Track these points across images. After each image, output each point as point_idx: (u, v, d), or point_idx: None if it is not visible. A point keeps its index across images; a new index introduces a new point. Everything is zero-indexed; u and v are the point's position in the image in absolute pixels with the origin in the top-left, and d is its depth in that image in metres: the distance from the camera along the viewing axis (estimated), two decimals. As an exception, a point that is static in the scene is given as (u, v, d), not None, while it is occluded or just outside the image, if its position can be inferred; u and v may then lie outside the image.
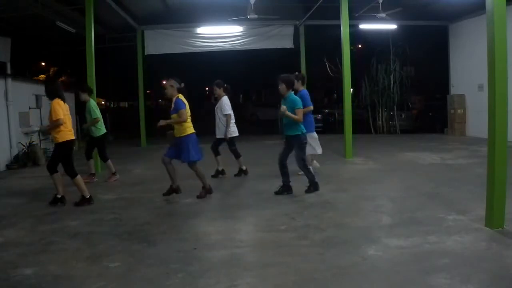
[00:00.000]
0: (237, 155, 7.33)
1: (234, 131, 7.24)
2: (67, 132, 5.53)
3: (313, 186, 5.91)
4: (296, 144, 5.69)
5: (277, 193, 5.87)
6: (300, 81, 6.90)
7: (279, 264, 3.44)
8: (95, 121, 7.08)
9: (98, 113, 7.11)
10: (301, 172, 6.07)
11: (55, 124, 5.42)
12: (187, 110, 5.59)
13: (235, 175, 7.33)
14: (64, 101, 5.64)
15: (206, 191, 5.90)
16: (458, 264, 3.31)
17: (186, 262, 3.53)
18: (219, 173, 7.33)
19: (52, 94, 5.61)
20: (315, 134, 7.03)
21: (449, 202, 5.19)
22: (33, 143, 9.89)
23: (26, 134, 9.81)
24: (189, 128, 5.65)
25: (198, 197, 5.79)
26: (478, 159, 8.23)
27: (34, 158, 9.57)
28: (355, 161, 8.86)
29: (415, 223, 4.40)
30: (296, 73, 7.36)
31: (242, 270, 3.35)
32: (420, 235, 4.01)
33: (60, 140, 5.50)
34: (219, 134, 7.21)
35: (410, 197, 5.57)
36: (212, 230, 4.49)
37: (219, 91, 7.19)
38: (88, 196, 5.62)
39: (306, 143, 5.81)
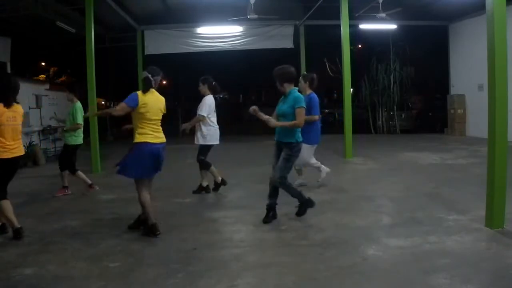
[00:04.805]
0: (205, 166, 5.99)
1: (213, 137, 5.94)
2: (1, 149, 4.09)
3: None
4: (285, 153, 4.45)
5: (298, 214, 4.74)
6: (307, 82, 6.08)
7: (279, 264, 3.44)
8: (77, 126, 6.11)
9: (81, 119, 6.14)
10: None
11: None
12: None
13: (193, 192, 6.10)
14: (9, 105, 4.14)
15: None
16: (458, 264, 3.31)
17: (186, 262, 3.53)
18: (218, 186, 6.17)
19: None
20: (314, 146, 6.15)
21: (449, 202, 5.20)
22: (33, 143, 9.92)
23: (26, 134, 9.82)
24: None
25: None
26: (478, 159, 8.23)
27: (34, 158, 9.59)
28: (355, 161, 8.86)
29: (415, 223, 4.40)
30: (304, 72, 6.31)
31: (242, 270, 3.35)
32: (420, 235, 4.01)
33: None
34: (199, 141, 5.92)
35: (410, 197, 5.57)
36: (212, 230, 4.49)
37: (203, 88, 5.93)
38: (18, 227, 4.20)
39: (297, 155, 4.55)
